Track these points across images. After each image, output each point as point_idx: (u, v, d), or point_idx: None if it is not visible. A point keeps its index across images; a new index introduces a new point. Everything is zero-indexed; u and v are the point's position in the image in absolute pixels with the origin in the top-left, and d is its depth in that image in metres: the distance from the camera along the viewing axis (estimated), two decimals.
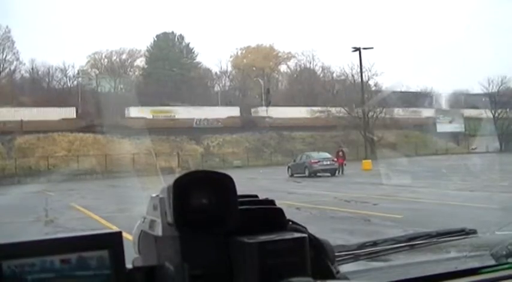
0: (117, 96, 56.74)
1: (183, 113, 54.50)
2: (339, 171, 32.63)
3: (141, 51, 67.48)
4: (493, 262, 1.79)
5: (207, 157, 50.53)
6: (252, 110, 59.52)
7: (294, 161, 34.70)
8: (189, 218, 1.12)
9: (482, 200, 14.55)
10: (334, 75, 68.39)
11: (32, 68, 61.48)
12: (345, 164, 34.09)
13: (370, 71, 57.57)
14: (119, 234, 1.16)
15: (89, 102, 51.92)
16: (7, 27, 58.59)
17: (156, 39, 66.60)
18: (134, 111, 53.18)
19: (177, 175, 1.15)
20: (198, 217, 1.13)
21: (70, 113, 51.74)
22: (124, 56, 67.73)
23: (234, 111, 58.23)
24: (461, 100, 69.06)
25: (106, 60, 67.06)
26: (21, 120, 47.46)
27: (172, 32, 67.43)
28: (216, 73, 71.11)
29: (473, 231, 2.00)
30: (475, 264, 1.75)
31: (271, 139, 55.88)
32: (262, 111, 58.39)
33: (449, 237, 1.96)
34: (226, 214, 1.14)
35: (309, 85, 64.37)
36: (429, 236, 1.94)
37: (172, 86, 58.44)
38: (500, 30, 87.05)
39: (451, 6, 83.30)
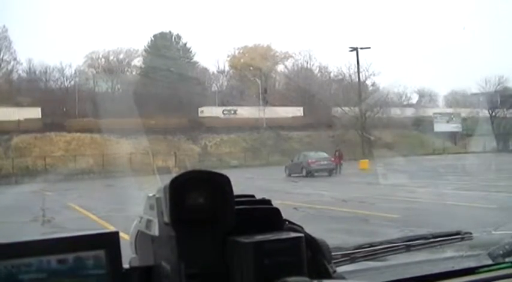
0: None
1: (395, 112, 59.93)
2: (336, 171, 32.67)
3: (138, 51, 67.38)
4: (490, 262, 1.79)
5: (204, 157, 50.47)
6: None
7: (292, 160, 34.69)
8: (185, 217, 1.12)
9: (479, 199, 14.58)
10: (332, 75, 68.51)
11: (29, 68, 61.36)
12: (341, 164, 34.14)
13: (367, 70, 57.67)
14: (115, 234, 1.16)
15: (313, 103, 54.66)
16: (4, 26, 58.38)
17: (153, 38, 66.45)
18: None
19: (173, 175, 1.14)
20: (195, 217, 1.13)
21: (298, 112, 57.94)
22: (121, 56, 67.61)
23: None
24: (459, 100, 69.13)
25: (103, 59, 66.93)
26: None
27: (170, 32, 67.36)
28: (213, 73, 71.15)
29: (469, 234, 2.01)
30: (472, 263, 1.75)
31: (268, 139, 55.84)
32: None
33: (445, 239, 1.96)
34: (222, 214, 1.14)
35: (306, 85, 64.29)
36: (425, 238, 1.94)
37: (169, 86, 58.34)
38: (497, 30, 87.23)
39: (448, 6, 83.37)
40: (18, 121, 47.66)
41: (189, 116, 55.19)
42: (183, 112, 54.73)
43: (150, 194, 1.27)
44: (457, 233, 2.00)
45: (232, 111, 58.78)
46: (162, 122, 50.60)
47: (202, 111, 57.50)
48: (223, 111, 58.62)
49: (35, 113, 49.64)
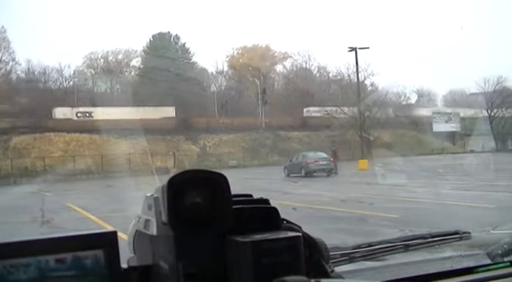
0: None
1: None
2: (334, 171, 32.64)
3: (137, 51, 67.32)
4: (488, 261, 1.79)
5: (203, 157, 50.46)
6: None
7: (291, 161, 34.66)
8: (183, 217, 1.12)
9: (477, 199, 14.59)
10: (331, 75, 68.52)
11: (28, 69, 61.24)
12: (337, 164, 34.09)
13: (366, 70, 57.59)
14: (113, 234, 1.16)
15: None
16: (3, 27, 58.21)
17: (152, 39, 66.45)
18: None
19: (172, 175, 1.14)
20: (193, 216, 1.13)
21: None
22: (120, 56, 67.51)
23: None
24: (458, 100, 69.15)
25: (102, 60, 66.86)
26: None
27: (168, 32, 67.34)
28: (212, 73, 71.12)
29: (467, 234, 2.01)
30: (471, 263, 1.75)
31: (267, 139, 55.81)
32: None
33: (443, 239, 1.96)
34: (220, 213, 1.14)
35: (305, 85, 64.29)
36: (423, 238, 1.94)
37: (168, 86, 58.35)
38: (496, 30, 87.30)
39: (446, 6, 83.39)
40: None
41: (298, 115, 60.82)
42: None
43: (148, 194, 1.27)
44: (456, 233, 2.00)
45: (327, 112, 60.96)
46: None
47: (308, 111, 62.12)
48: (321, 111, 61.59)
49: (170, 112, 53.90)
